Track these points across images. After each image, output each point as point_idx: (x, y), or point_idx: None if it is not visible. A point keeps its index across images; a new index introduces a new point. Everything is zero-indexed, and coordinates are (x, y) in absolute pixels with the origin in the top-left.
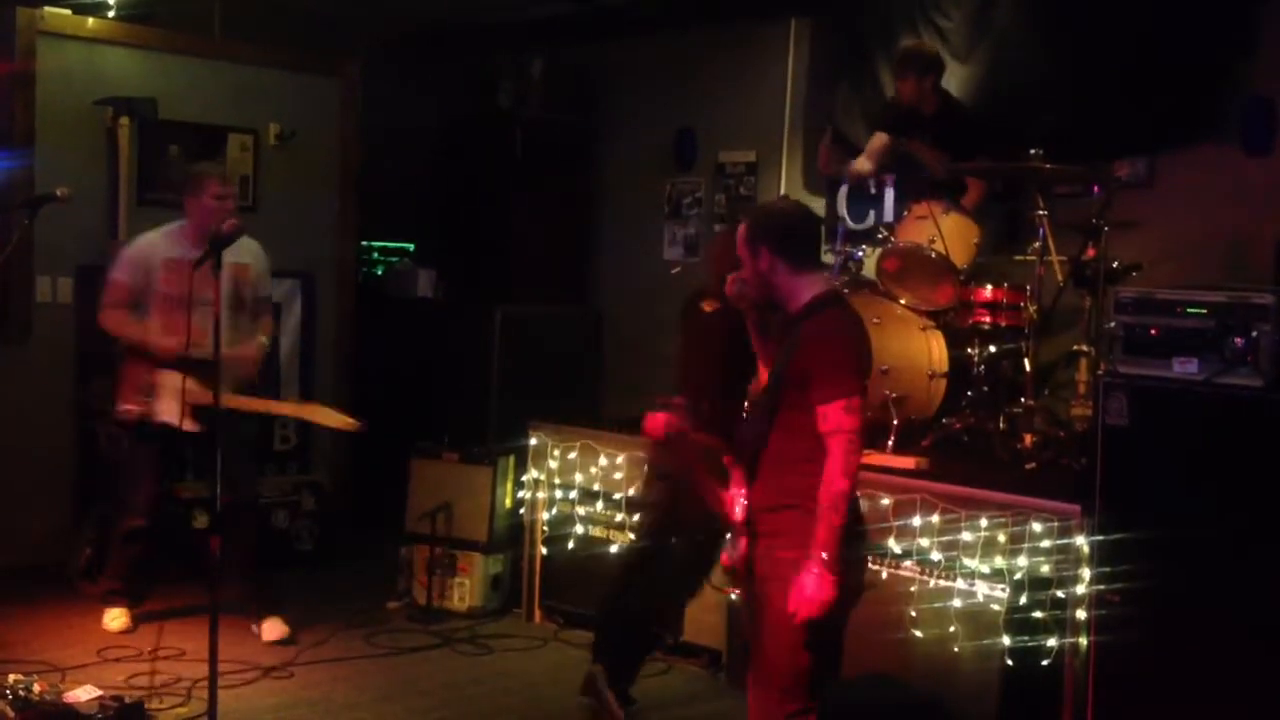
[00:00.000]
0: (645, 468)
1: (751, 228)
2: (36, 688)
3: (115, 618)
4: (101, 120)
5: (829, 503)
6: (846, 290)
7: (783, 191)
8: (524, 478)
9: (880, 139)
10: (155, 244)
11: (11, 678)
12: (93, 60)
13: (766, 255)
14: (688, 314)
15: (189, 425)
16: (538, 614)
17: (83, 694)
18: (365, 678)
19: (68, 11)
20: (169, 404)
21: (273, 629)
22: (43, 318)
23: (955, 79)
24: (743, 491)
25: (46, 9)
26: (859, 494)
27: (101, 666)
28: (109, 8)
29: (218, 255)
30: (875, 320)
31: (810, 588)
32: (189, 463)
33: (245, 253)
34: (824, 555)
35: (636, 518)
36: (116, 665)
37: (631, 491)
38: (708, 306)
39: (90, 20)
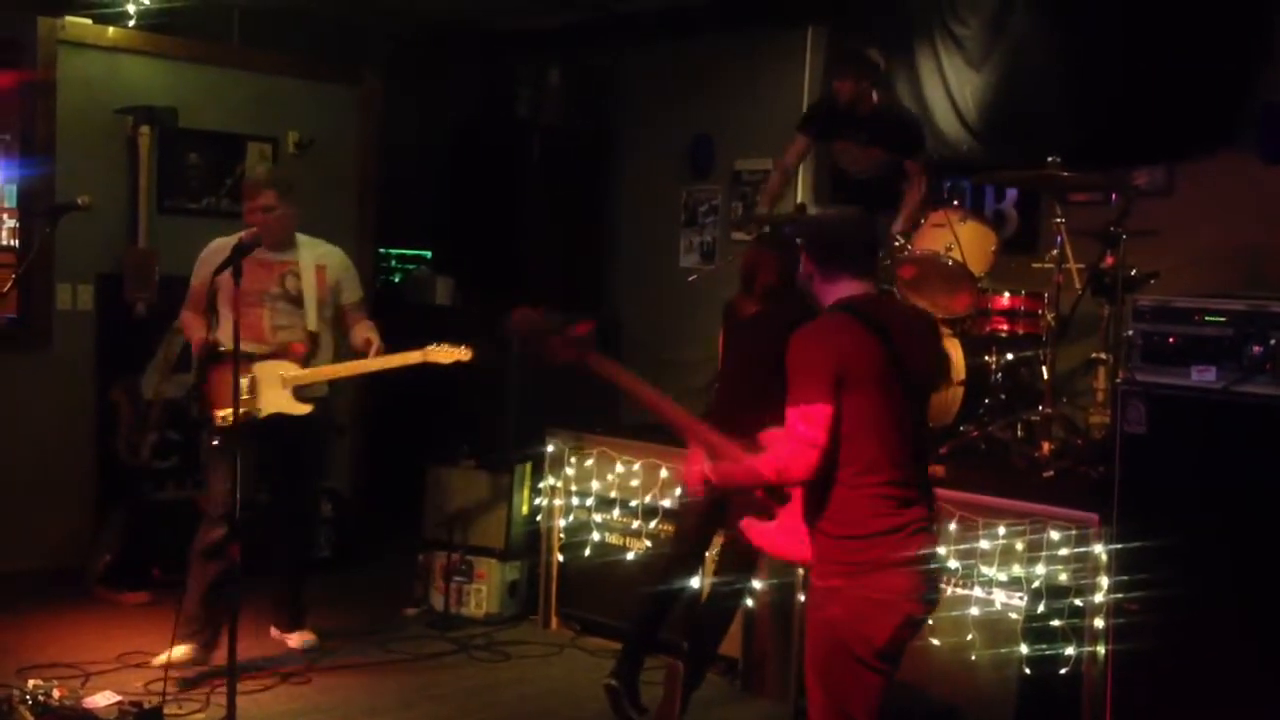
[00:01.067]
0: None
1: (798, 234)
2: (56, 693)
3: (182, 654)
4: (122, 129)
5: (749, 468)
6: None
7: (799, 200)
8: (541, 485)
9: (800, 141)
10: (220, 248)
11: (31, 683)
12: (113, 69)
13: (805, 261)
14: (727, 320)
15: (299, 408)
16: (554, 621)
17: (102, 699)
18: (383, 684)
19: (88, 21)
20: (272, 393)
21: (299, 639)
22: (63, 325)
23: (971, 87)
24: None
25: (67, 18)
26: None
27: (121, 672)
28: (129, 17)
29: (238, 263)
30: None
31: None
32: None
33: (324, 255)
34: (710, 466)
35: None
36: (136, 671)
37: (649, 498)
38: (747, 310)
39: (111, 30)
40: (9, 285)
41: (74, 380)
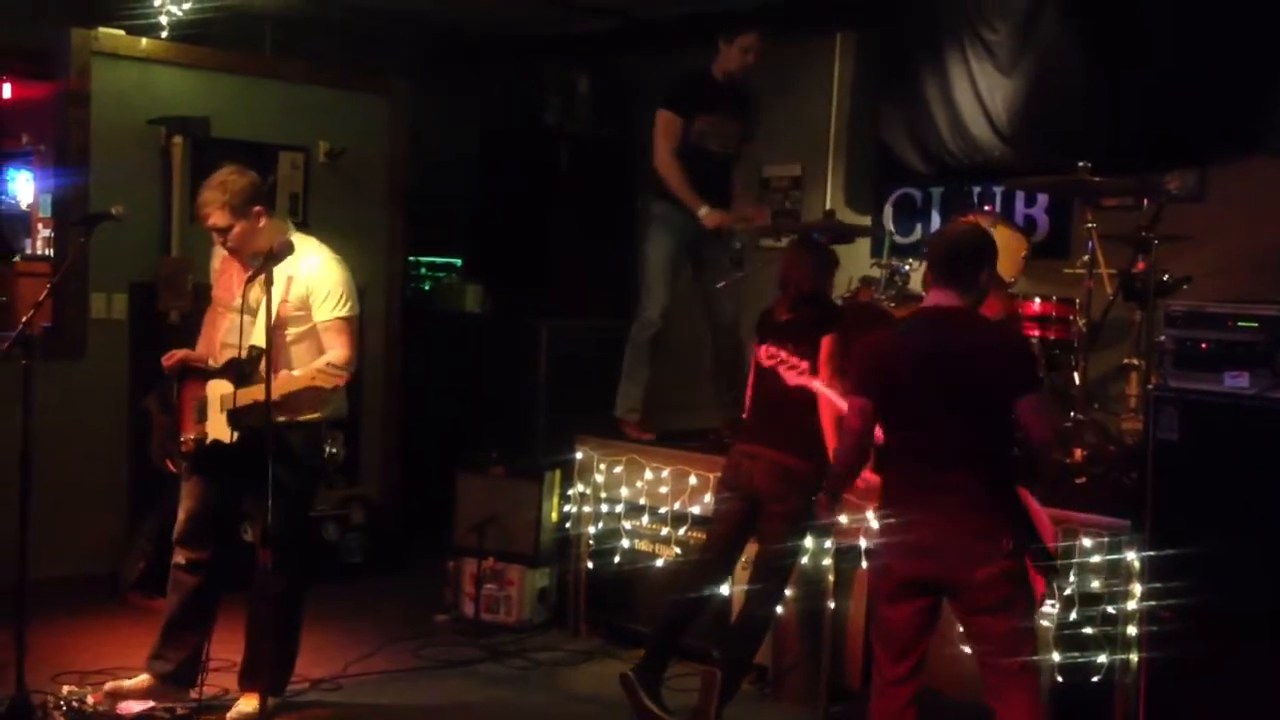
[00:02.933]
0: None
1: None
2: (90, 699)
3: (135, 684)
4: (155, 139)
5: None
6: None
7: (828, 206)
8: (570, 491)
9: (674, 122)
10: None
11: (65, 689)
12: (146, 80)
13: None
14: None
15: (228, 435)
16: (584, 628)
17: (135, 705)
18: (413, 690)
19: (121, 32)
20: (215, 417)
21: (246, 703)
22: (98, 333)
23: (1001, 92)
24: None
25: (101, 29)
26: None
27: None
28: (162, 28)
29: (269, 271)
30: None
31: None
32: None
33: (299, 264)
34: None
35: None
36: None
37: (678, 505)
38: (780, 315)
39: (144, 40)
40: (44, 295)
41: (108, 389)
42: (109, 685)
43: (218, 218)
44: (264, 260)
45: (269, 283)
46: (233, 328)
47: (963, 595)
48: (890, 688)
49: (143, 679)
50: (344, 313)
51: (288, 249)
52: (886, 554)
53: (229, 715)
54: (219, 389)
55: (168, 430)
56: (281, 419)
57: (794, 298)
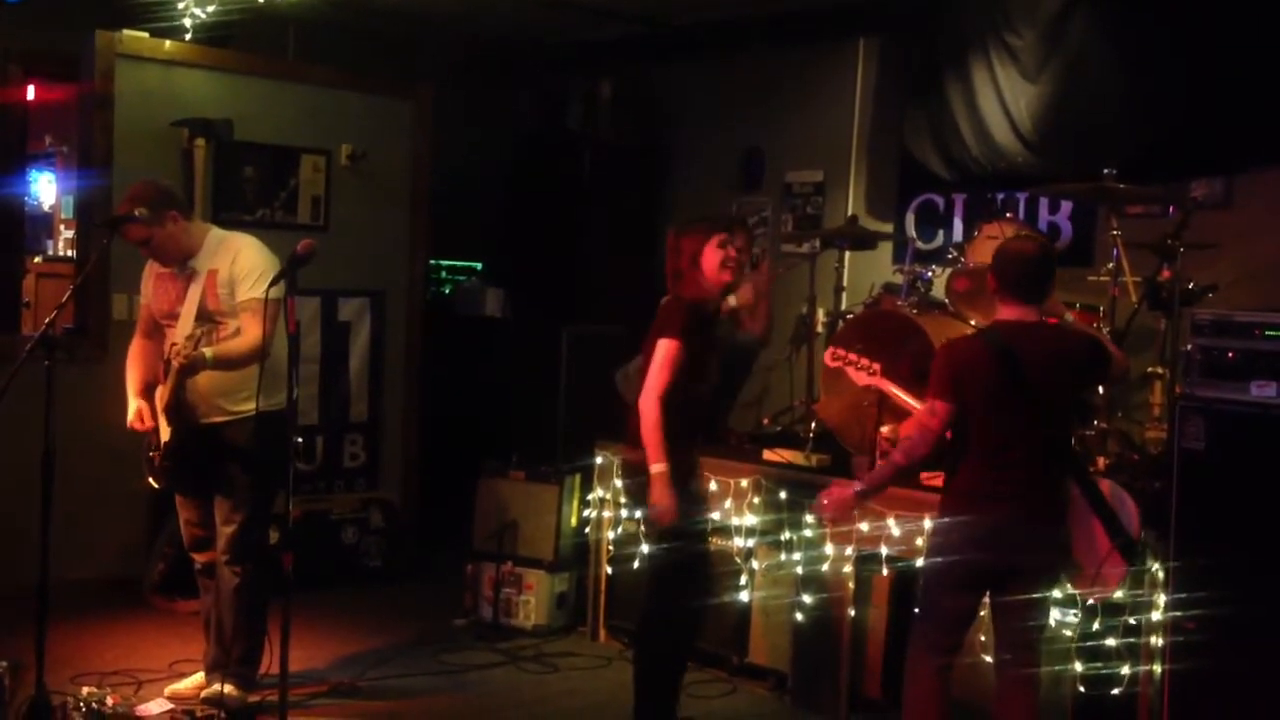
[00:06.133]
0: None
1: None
2: (109, 700)
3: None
4: (178, 141)
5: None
6: (917, 310)
7: (850, 212)
8: (589, 496)
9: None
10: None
11: (85, 690)
12: (170, 82)
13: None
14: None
15: (165, 435)
16: (602, 633)
17: (155, 707)
18: (431, 694)
19: (145, 35)
20: (162, 422)
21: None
22: (120, 335)
23: (1026, 98)
24: None
25: (125, 32)
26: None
27: (175, 680)
28: (186, 31)
29: (293, 276)
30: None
31: None
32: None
33: (220, 255)
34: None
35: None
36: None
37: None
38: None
39: (167, 43)
40: (66, 296)
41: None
42: (167, 690)
43: (134, 231)
44: (197, 258)
45: (212, 275)
46: (181, 332)
47: (1013, 580)
48: (937, 675)
49: (198, 678)
50: (257, 294)
51: (214, 244)
52: (961, 547)
53: (202, 695)
54: (161, 393)
55: (145, 448)
56: (219, 419)
57: None
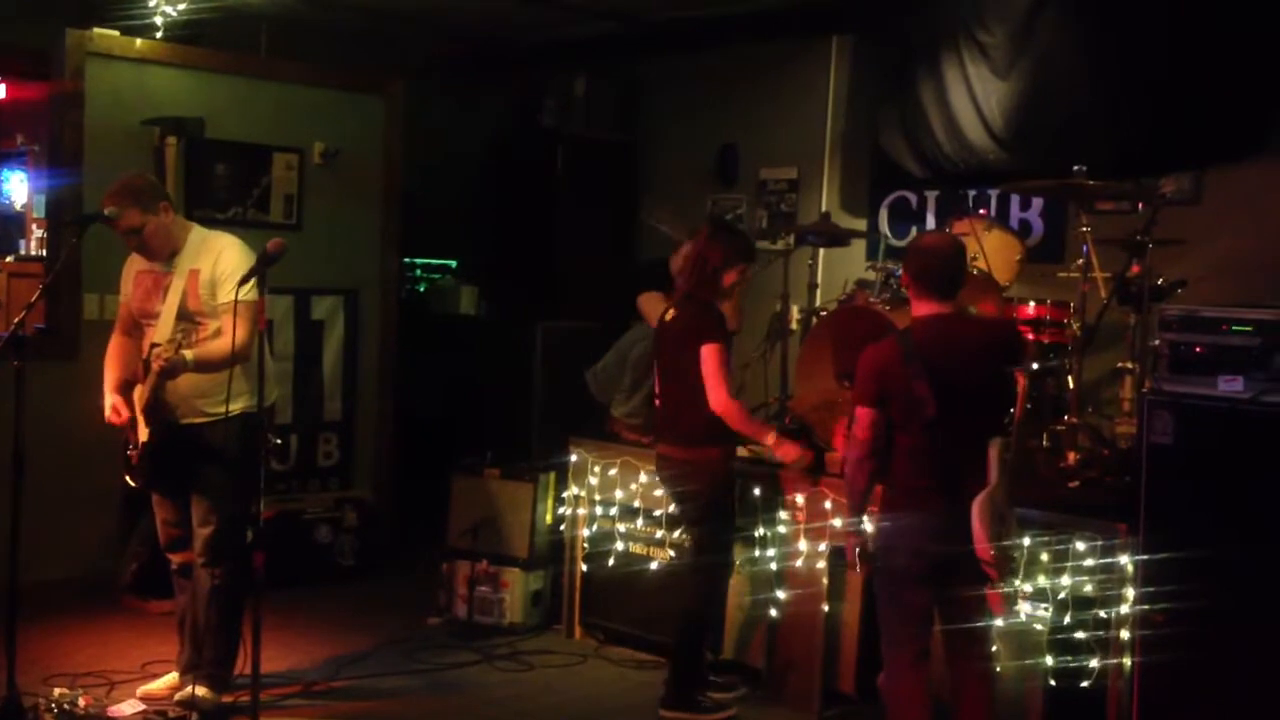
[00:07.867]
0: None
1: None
2: (82, 701)
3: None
4: (150, 139)
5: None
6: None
7: (824, 209)
8: (565, 494)
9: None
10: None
11: (57, 691)
12: (141, 80)
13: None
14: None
15: (142, 436)
16: (578, 630)
17: (127, 708)
18: (406, 693)
19: (116, 33)
20: (139, 422)
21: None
22: (91, 335)
23: (997, 96)
24: None
25: (95, 30)
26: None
27: (147, 680)
28: (157, 29)
29: (263, 275)
30: None
31: None
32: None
33: (202, 255)
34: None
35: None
36: (160, 679)
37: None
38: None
39: (138, 41)
40: (37, 296)
41: (101, 390)
42: (140, 691)
43: (131, 218)
44: (179, 255)
45: (194, 275)
46: (161, 332)
47: (957, 571)
48: (914, 667)
49: (172, 679)
50: (243, 296)
51: (197, 243)
52: (914, 540)
53: (175, 697)
54: (140, 393)
55: (124, 447)
56: (198, 420)
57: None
